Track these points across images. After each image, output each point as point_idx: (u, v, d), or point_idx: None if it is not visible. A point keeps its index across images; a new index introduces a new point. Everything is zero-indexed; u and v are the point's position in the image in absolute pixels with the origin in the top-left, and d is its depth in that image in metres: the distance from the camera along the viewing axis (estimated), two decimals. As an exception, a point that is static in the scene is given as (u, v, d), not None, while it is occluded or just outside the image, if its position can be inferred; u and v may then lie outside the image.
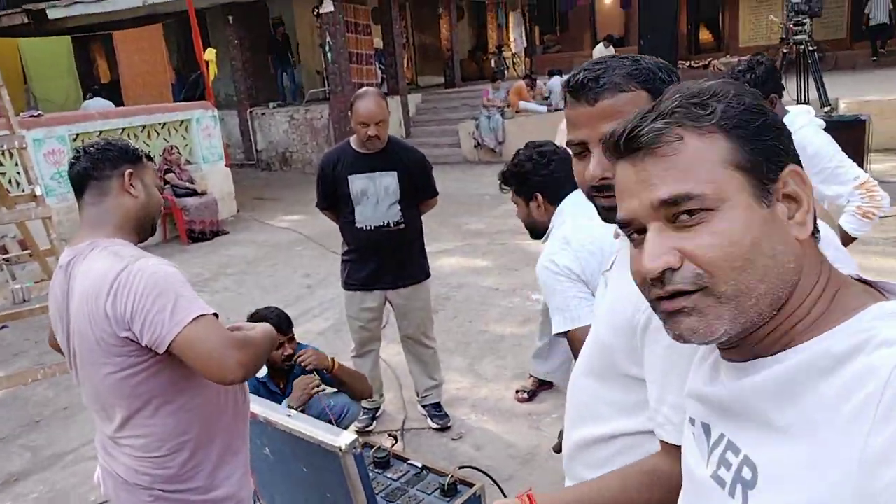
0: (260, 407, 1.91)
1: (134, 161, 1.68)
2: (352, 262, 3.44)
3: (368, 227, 3.30)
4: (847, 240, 2.53)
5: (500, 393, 3.92)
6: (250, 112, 13.11)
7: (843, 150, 2.64)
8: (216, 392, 1.65)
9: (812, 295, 0.72)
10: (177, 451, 1.60)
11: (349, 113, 3.23)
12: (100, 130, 7.89)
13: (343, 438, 1.69)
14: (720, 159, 0.72)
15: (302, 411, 2.51)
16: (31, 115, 7.68)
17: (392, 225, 3.31)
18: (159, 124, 8.92)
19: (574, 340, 1.78)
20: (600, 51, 13.89)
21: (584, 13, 20.42)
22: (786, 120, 2.36)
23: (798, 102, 7.26)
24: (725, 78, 1.77)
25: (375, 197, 3.27)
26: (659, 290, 0.74)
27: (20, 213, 4.51)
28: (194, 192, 8.48)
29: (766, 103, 0.76)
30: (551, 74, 12.64)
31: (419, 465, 2.26)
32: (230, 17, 12.59)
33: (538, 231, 2.24)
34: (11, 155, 6.79)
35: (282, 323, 2.77)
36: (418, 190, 3.38)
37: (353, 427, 3.30)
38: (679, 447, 0.92)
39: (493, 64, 17.64)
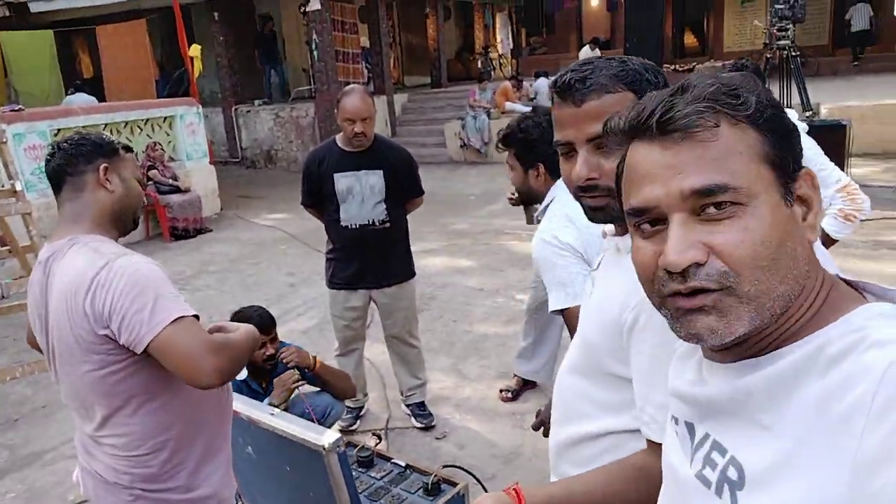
0: (243, 405, 1.90)
1: (109, 154, 1.64)
2: (336, 260, 3.42)
3: (353, 226, 3.29)
4: (828, 242, 2.56)
5: (483, 392, 3.92)
6: (235, 109, 13.03)
7: (824, 154, 2.67)
8: (198, 390, 1.63)
9: (810, 297, 0.71)
10: (158, 449, 1.58)
11: (335, 110, 3.22)
12: (82, 126, 7.80)
13: (326, 437, 1.68)
14: (754, 153, 0.69)
15: (285, 410, 2.50)
16: (12, 110, 7.57)
17: (377, 224, 3.30)
18: (142, 120, 8.84)
19: (572, 318, 1.71)
20: (586, 53, 13.97)
21: (570, 15, 20.53)
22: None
23: (781, 107, 7.33)
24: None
25: (361, 195, 3.26)
26: (678, 285, 0.70)
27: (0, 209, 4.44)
28: (178, 190, 8.40)
29: None
30: (537, 76, 12.70)
31: (403, 464, 2.26)
32: (215, 14, 12.49)
33: (530, 199, 2.19)
34: (-9, 149, 6.68)
35: (264, 323, 2.75)
36: (404, 189, 3.37)
37: (336, 426, 3.29)
38: None
39: (479, 65, 17.66)
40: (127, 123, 8.62)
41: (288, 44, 14.82)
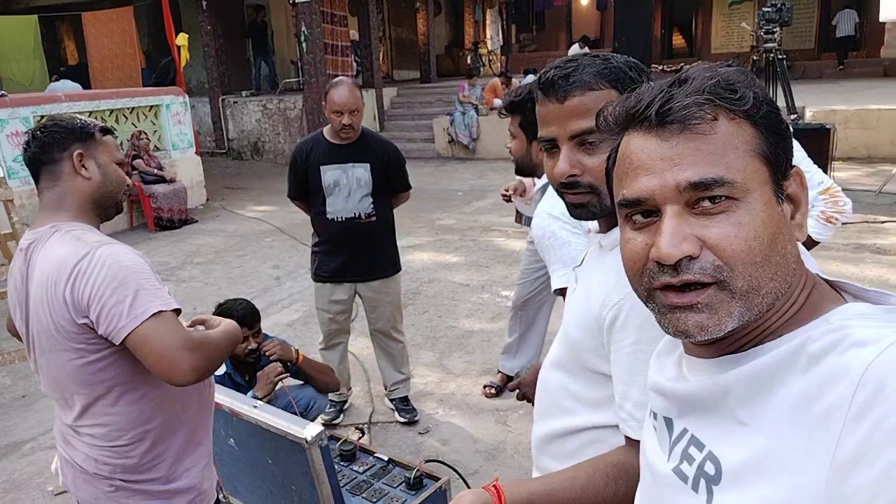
0: (225, 397, 1.89)
1: (84, 139, 1.60)
2: (322, 253, 3.41)
3: (340, 219, 3.28)
4: (810, 243, 2.59)
5: (467, 388, 3.93)
6: (222, 100, 12.93)
7: (808, 157, 2.70)
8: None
9: (794, 295, 0.71)
10: (138, 440, 1.57)
11: (323, 102, 3.20)
12: (66, 113, 7.71)
13: (309, 430, 1.68)
14: (750, 148, 0.69)
15: (269, 403, 2.49)
16: (-5, 96, 7.47)
17: (363, 217, 3.29)
18: (128, 109, 8.75)
19: None
20: (575, 51, 13.98)
21: (560, 13, 20.58)
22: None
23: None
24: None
25: (347, 188, 3.25)
26: (670, 277, 0.69)
27: (-20, 196, 4.37)
28: (163, 180, 8.33)
29: None
30: (526, 73, 12.72)
31: (385, 458, 2.26)
32: (204, 3, 12.37)
33: (527, 171, 2.14)
34: (-28, 135, 6.59)
35: (247, 317, 2.74)
36: (391, 183, 3.36)
37: (319, 419, 3.28)
38: None
39: (468, 60, 17.65)
40: (112, 112, 8.52)
41: (276, 35, 14.72)
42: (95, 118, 8.09)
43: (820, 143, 6.71)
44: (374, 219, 3.31)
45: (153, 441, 1.59)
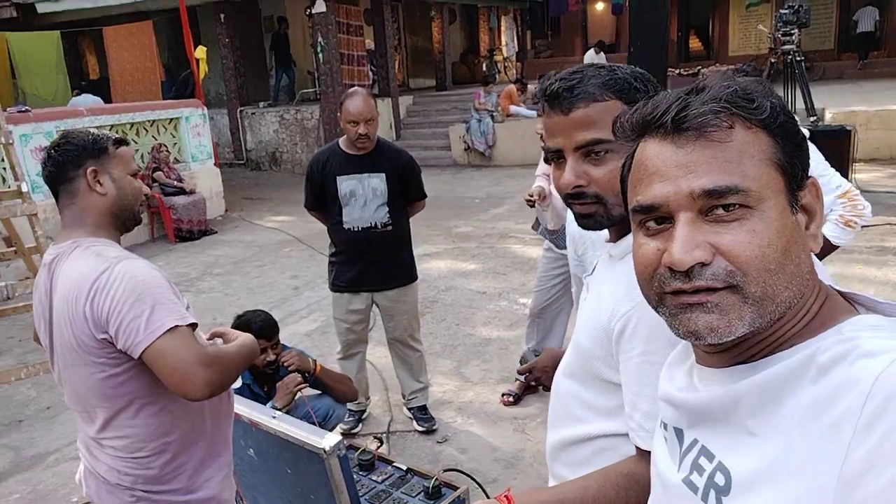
0: (245, 408, 1.90)
1: (97, 155, 1.61)
2: (339, 263, 3.43)
3: (356, 229, 3.30)
4: (829, 248, 2.56)
5: (485, 396, 3.92)
6: (240, 111, 13.06)
7: (828, 159, 2.66)
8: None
9: (806, 305, 0.71)
10: (159, 452, 1.60)
11: (339, 112, 3.23)
12: (80, 127, 7.82)
13: (328, 440, 1.68)
14: (766, 157, 0.70)
15: (288, 413, 2.51)
16: (19, 111, 7.60)
17: (380, 227, 3.31)
18: (148, 122, 8.87)
19: None
20: (591, 56, 13.95)
21: (575, 19, 20.55)
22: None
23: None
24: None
25: (363, 198, 3.27)
26: (681, 283, 0.70)
27: (5, 210, 4.46)
28: (183, 191, 8.43)
29: None
30: (542, 79, 12.68)
31: (404, 467, 2.26)
32: (222, 16, 12.54)
33: None
34: (-3, 150, 6.71)
35: (265, 329, 2.76)
36: (406, 192, 3.38)
37: (338, 429, 3.30)
38: None
39: (484, 68, 17.68)
40: (132, 125, 8.65)
41: (293, 46, 14.87)
42: (116, 131, 8.16)
43: (841, 145, 6.63)
44: (390, 228, 3.32)
45: (174, 452, 1.61)
